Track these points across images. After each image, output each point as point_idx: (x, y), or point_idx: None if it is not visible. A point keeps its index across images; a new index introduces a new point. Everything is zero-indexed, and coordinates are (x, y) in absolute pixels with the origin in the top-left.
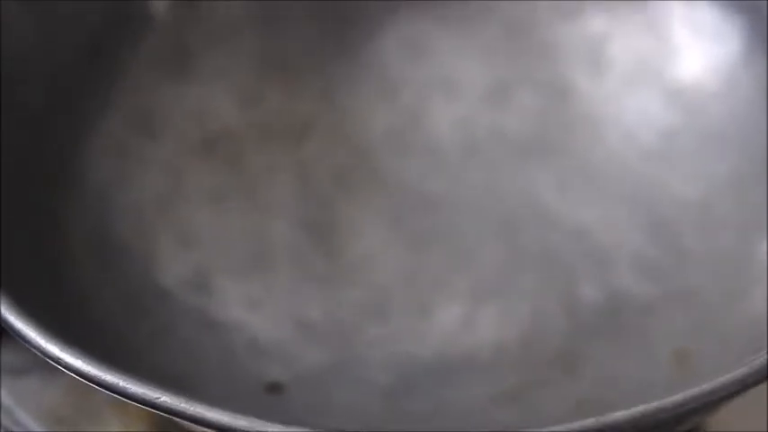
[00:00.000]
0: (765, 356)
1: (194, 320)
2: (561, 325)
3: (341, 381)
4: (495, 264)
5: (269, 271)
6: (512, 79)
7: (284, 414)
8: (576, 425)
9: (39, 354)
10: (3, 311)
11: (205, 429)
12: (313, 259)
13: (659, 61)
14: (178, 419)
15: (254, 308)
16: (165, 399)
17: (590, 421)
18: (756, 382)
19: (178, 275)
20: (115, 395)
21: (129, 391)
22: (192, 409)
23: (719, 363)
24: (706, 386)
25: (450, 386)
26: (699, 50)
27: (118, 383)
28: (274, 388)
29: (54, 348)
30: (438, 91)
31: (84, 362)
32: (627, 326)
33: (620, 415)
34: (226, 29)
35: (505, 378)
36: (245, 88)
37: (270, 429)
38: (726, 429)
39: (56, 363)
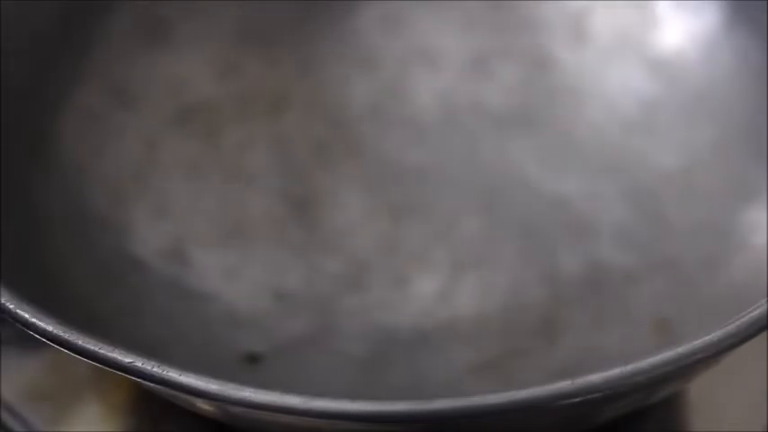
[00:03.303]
0: (742, 319)
1: (170, 291)
2: (541, 295)
3: (318, 352)
4: (475, 235)
5: (246, 242)
6: (492, 51)
7: (260, 385)
8: (552, 387)
9: (10, 319)
10: None
11: (179, 394)
12: (291, 230)
13: (640, 32)
14: (149, 384)
15: (231, 278)
16: (136, 362)
17: (565, 384)
18: (731, 346)
19: (154, 246)
20: (87, 360)
21: (101, 354)
22: (163, 372)
23: (699, 332)
24: (681, 349)
25: (428, 357)
26: (680, 21)
27: (90, 347)
28: (251, 359)
29: (25, 314)
30: (418, 63)
31: (55, 326)
32: (607, 296)
33: (596, 377)
34: None
35: (485, 349)
36: (223, 59)
37: (241, 394)
38: (707, 398)
39: (27, 328)
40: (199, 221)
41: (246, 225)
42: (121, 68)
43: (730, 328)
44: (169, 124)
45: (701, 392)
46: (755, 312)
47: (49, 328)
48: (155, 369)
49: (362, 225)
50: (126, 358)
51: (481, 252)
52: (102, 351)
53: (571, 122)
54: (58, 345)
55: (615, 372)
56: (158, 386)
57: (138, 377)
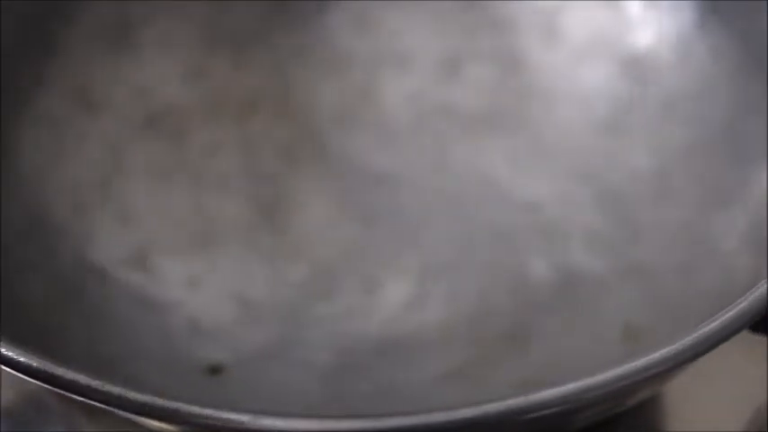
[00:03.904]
0: (694, 334)
1: (133, 301)
2: (511, 302)
3: (283, 361)
4: (445, 240)
5: (212, 249)
6: (463, 52)
7: (223, 396)
8: (504, 404)
9: None
10: None
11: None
12: (258, 236)
13: (613, 32)
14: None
15: (196, 287)
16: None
17: (518, 400)
18: (688, 359)
19: (116, 255)
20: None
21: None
22: (101, 387)
23: (669, 338)
24: (639, 363)
25: (395, 366)
26: (653, 21)
27: None
28: (213, 370)
29: None
30: (388, 65)
31: None
32: (578, 302)
33: (549, 393)
34: None
35: (453, 356)
36: (190, 62)
37: (190, 410)
38: (684, 397)
39: None
40: (163, 228)
41: (213, 231)
42: (84, 73)
43: (685, 341)
44: (134, 129)
45: (678, 394)
46: (707, 329)
47: None
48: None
49: (331, 231)
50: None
51: (451, 258)
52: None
53: (543, 124)
54: None
55: (570, 387)
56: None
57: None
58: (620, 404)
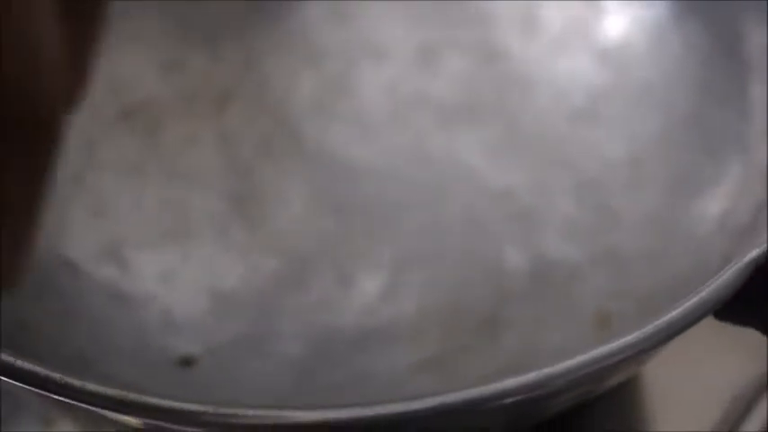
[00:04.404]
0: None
1: (105, 294)
2: (485, 291)
3: (255, 353)
4: (420, 231)
5: (186, 242)
6: (439, 43)
7: (194, 388)
8: (464, 393)
9: None
10: None
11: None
12: (232, 229)
13: (589, 22)
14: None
15: (168, 280)
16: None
17: (476, 390)
18: (650, 347)
19: (89, 249)
20: None
21: None
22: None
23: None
24: (597, 351)
25: (369, 357)
26: (628, 11)
27: None
28: (186, 362)
29: None
30: (364, 56)
31: None
32: (551, 290)
33: (510, 383)
34: None
35: (427, 347)
36: (165, 55)
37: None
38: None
39: None
40: (137, 222)
41: (186, 225)
42: None
43: (645, 330)
44: (109, 123)
45: (654, 379)
46: (667, 317)
47: None
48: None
49: (305, 223)
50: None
51: (425, 248)
52: None
53: (518, 114)
54: None
55: (530, 376)
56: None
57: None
58: (591, 391)
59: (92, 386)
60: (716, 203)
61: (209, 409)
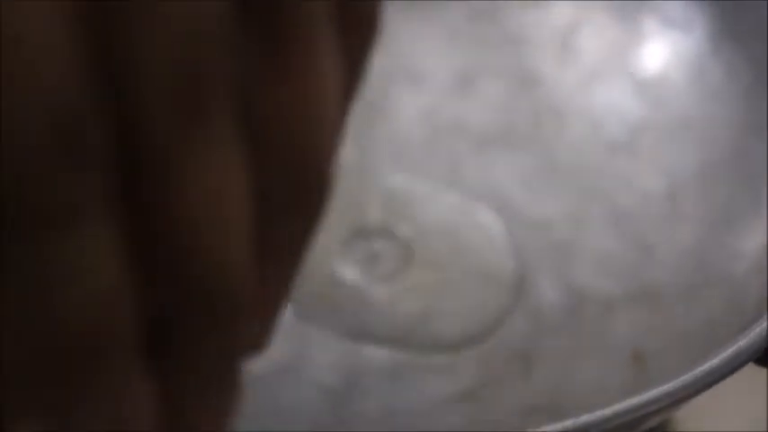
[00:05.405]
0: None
1: None
2: (520, 323)
3: (289, 381)
4: (456, 259)
5: None
6: (477, 68)
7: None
8: None
9: None
10: None
11: None
12: None
13: (627, 51)
14: None
15: None
16: None
17: None
18: (687, 397)
19: None
20: None
21: None
22: None
23: (674, 365)
24: (636, 400)
25: (402, 387)
26: (666, 40)
27: None
28: None
29: None
30: (401, 81)
31: None
32: (586, 325)
33: (550, 428)
34: None
35: (461, 378)
36: None
37: None
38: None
39: None
40: None
41: None
42: None
43: (684, 378)
44: None
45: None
46: (704, 366)
47: None
48: None
49: (337, 249)
50: None
51: (460, 277)
52: None
53: (555, 143)
54: None
55: (567, 424)
56: None
57: None
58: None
59: None
60: (753, 239)
61: None
